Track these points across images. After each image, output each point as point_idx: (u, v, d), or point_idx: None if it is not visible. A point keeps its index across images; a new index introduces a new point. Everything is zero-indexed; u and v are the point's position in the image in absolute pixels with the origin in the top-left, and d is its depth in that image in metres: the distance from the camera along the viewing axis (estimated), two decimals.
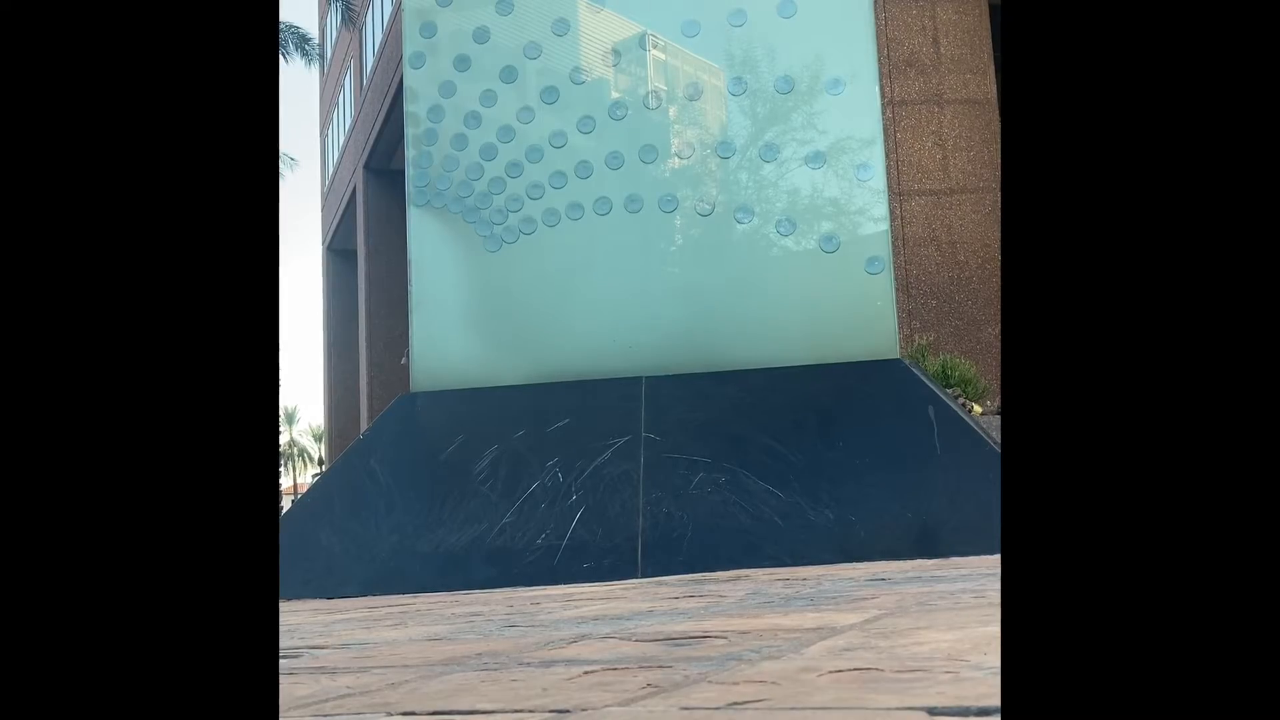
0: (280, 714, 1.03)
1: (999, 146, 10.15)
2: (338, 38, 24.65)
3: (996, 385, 8.62)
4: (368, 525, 3.74)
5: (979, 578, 2.29)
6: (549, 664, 1.30)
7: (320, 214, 27.80)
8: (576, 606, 2.26)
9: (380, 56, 19.30)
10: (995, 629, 1.33)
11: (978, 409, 6.90)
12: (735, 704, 0.93)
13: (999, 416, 6.73)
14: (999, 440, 3.99)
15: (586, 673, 1.20)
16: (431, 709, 1.03)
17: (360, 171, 20.98)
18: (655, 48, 4.27)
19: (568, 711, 0.96)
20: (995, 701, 0.85)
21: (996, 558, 2.88)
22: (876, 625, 1.49)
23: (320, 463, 46.14)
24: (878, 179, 4.02)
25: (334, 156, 25.77)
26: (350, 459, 4.11)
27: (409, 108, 4.39)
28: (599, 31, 4.32)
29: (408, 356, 4.31)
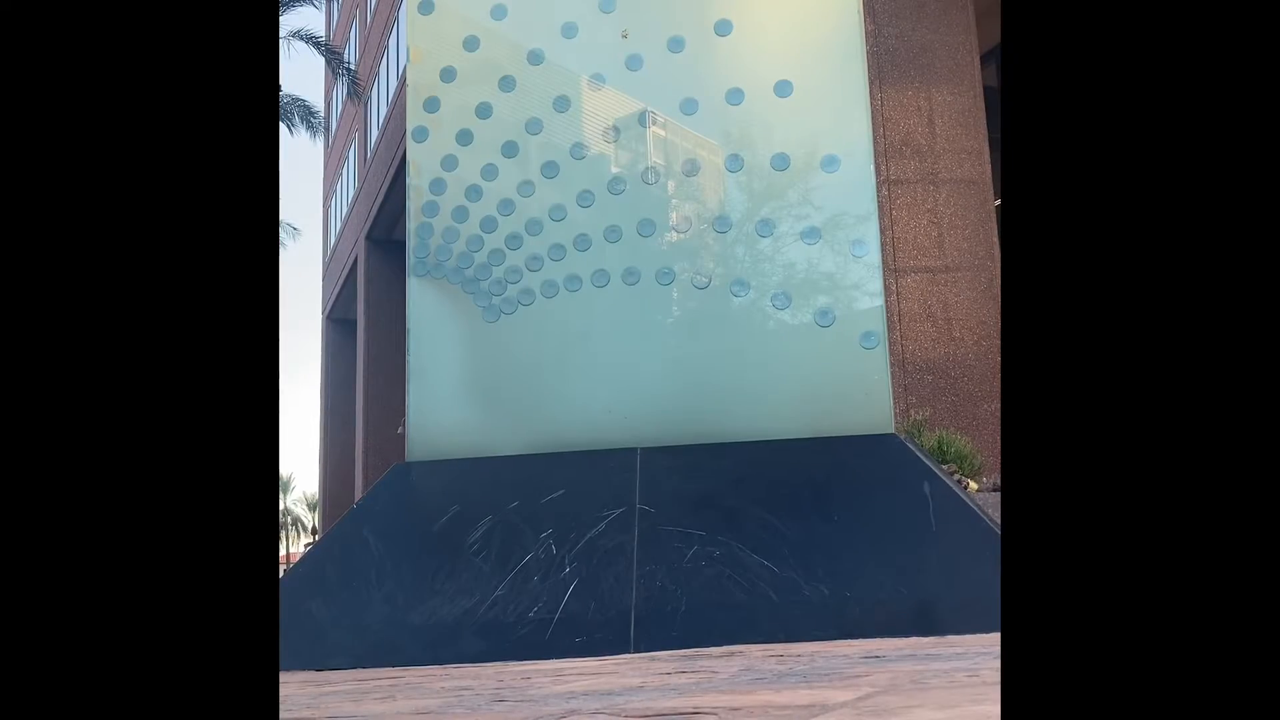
0: None
1: (994, 226, 10.28)
2: (342, 111, 25.06)
3: (992, 461, 8.61)
4: (359, 595, 3.70)
5: (974, 656, 2.27)
6: None
7: (321, 284, 27.98)
8: (567, 682, 2.23)
9: (384, 130, 19.60)
10: (988, 708, 1.32)
11: (974, 485, 6.88)
12: None
13: (995, 493, 6.71)
14: (995, 517, 3.98)
15: None
16: None
17: (362, 242, 21.18)
18: (654, 124, 4.35)
19: None
20: None
21: (991, 636, 2.85)
22: (869, 703, 1.48)
23: (314, 532, 45.69)
24: (873, 254, 4.06)
25: (336, 227, 26.02)
26: (343, 528, 4.09)
27: (411, 180, 4.45)
28: (599, 108, 4.40)
29: (404, 426, 4.31)
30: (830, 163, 4.14)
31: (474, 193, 4.34)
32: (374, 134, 21.10)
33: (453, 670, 2.94)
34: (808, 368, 4.00)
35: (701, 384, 4.05)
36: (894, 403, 4.06)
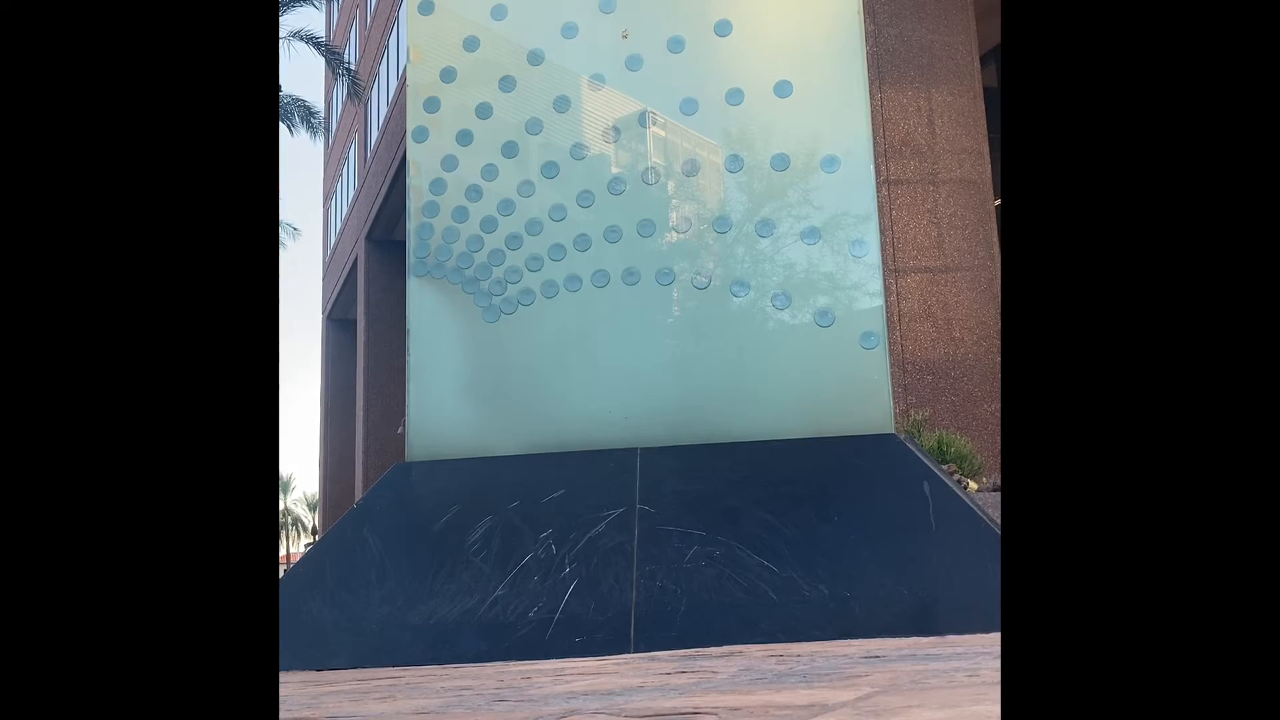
0: None
1: (994, 226, 10.28)
2: (342, 111, 25.07)
3: (992, 461, 8.61)
4: (359, 596, 3.70)
5: (974, 656, 2.27)
6: None
7: (321, 284, 27.99)
8: (567, 682, 2.23)
9: (384, 130, 19.61)
10: (987, 708, 1.32)
11: (973, 485, 6.88)
12: None
13: (994, 493, 6.71)
14: (995, 517, 3.98)
15: None
16: None
17: (362, 242, 21.19)
18: (654, 124, 4.35)
19: None
20: None
21: (991, 636, 2.85)
22: (869, 703, 1.48)
23: (314, 532, 45.73)
24: (873, 255, 4.06)
25: (336, 227, 26.03)
26: (343, 528, 4.09)
27: (411, 180, 4.45)
28: (599, 108, 4.40)
29: (404, 426, 4.31)
30: (830, 163, 4.14)
31: (474, 193, 4.34)
32: (374, 134, 21.11)
33: (453, 670, 2.94)
34: (808, 368, 4.00)
35: (701, 384, 4.05)
36: (894, 403, 4.06)
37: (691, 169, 4.28)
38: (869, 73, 4.46)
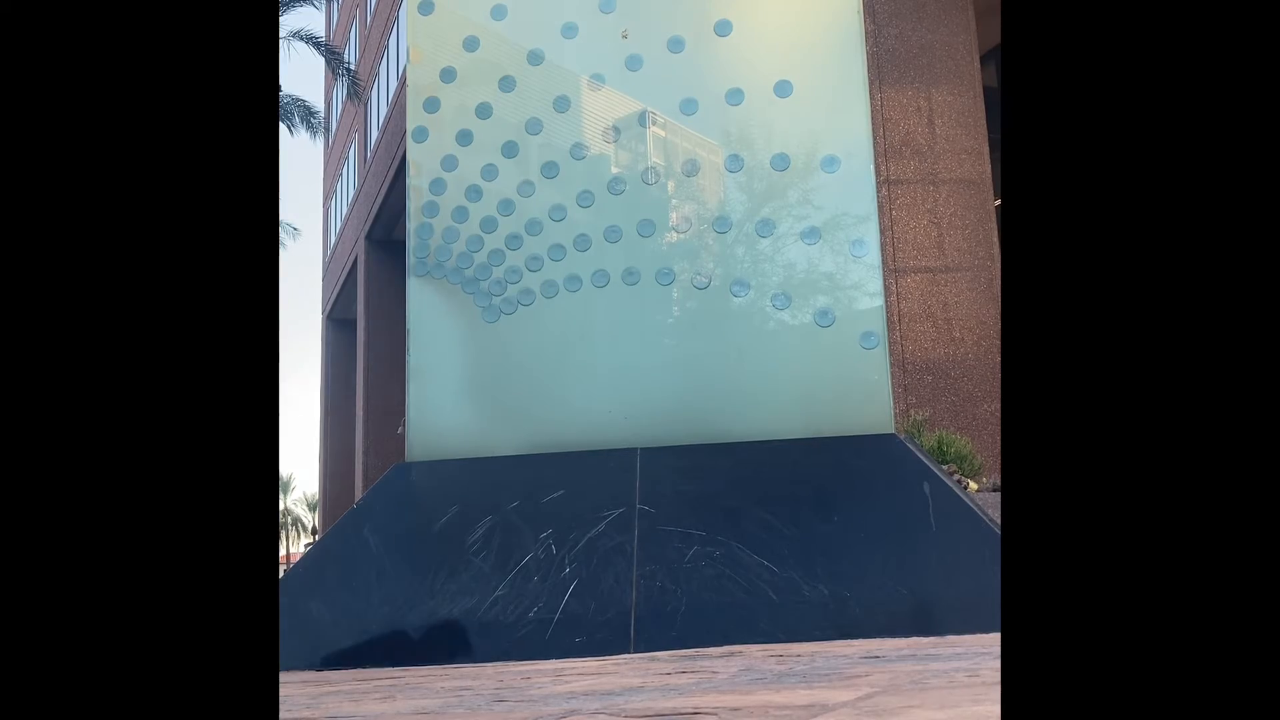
0: None
1: (994, 226, 10.28)
2: (342, 111, 25.08)
3: (991, 461, 8.61)
4: (359, 596, 3.70)
5: (973, 656, 2.27)
6: None
7: (321, 284, 27.99)
8: (567, 682, 2.23)
9: (384, 130, 19.61)
10: (987, 708, 1.32)
11: (973, 485, 6.88)
12: None
13: (995, 493, 6.71)
14: (995, 517, 3.98)
15: None
16: None
17: (362, 242, 21.19)
18: (654, 124, 4.35)
19: None
20: None
21: (991, 636, 2.85)
22: (869, 703, 1.48)
23: (314, 532, 45.76)
24: (873, 255, 4.06)
25: (336, 227, 26.04)
26: (343, 528, 4.09)
27: (411, 180, 4.45)
28: (599, 108, 4.40)
29: (404, 426, 4.31)
30: (830, 163, 4.14)
31: (474, 193, 4.34)
32: (374, 134, 21.11)
33: (453, 670, 2.94)
34: (808, 368, 4.00)
35: (701, 384, 4.05)
36: (894, 403, 4.06)
37: (691, 169, 4.28)
38: (869, 73, 4.45)
